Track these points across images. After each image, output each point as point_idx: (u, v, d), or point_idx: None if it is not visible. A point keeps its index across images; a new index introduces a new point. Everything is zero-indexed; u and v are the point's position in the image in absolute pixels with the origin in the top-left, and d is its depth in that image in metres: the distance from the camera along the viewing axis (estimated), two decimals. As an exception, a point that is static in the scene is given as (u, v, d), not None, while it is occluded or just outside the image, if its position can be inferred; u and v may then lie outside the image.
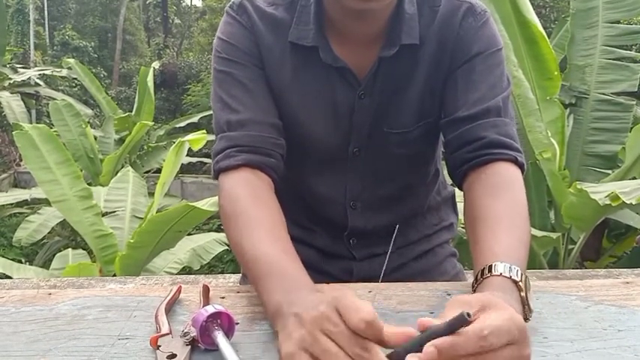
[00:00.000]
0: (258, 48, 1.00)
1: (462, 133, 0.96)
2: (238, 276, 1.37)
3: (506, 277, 0.72)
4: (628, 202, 2.97)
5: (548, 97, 4.19)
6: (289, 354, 0.60)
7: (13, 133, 5.36)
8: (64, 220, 5.70)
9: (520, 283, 0.71)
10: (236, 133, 0.96)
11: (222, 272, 7.10)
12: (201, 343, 0.68)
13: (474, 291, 0.76)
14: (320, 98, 1.01)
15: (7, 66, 12.46)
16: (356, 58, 0.98)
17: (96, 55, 18.19)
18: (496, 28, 1.02)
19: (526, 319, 0.71)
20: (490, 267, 0.74)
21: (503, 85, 0.98)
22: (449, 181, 1.24)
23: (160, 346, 0.68)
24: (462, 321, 0.56)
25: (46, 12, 19.06)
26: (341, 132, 1.03)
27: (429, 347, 0.56)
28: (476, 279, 0.76)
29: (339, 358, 0.56)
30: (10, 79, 11.78)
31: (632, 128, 4.21)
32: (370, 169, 1.08)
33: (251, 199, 0.89)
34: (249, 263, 0.79)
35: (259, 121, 0.97)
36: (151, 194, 5.76)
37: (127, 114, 10.48)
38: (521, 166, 0.94)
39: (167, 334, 0.70)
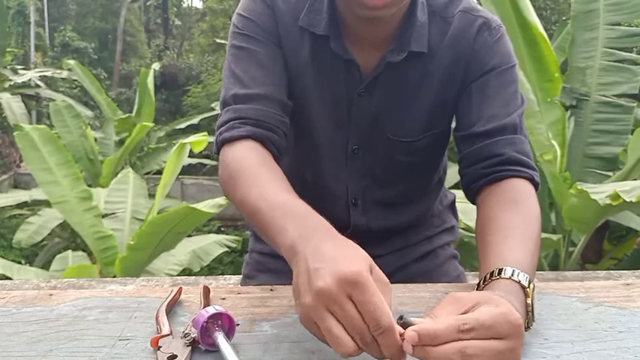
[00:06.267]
0: (278, 28, 1.00)
1: (479, 149, 0.96)
2: (239, 277, 1.37)
3: (515, 280, 0.72)
4: (628, 200, 2.97)
5: (549, 99, 4.20)
6: (303, 317, 0.61)
7: (14, 134, 5.38)
8: (64, 221, 5.71)
9: (527, 290, 0.71)
10: (242, 106, 0.95)
11: (222, 274, 7.10)
12: (202, 343, 0.68)
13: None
14: (325, 87, 1.02)
15: (8, 67, 12.48)
16: (363, 56, 0.99)
17: (96, 57, 18.18)
18: (511, 44, 1.02)
19: (528, 327, 0.71)
20: (500, 270, 0.73)
21: (518, 102, 0.98)
22: (447, 185, 1.25)
23: (160, 346, 0.68)
24: (403, 325, 0.59)
25: (46, 13, 19.07)
26: (340, 126, 1.04)
27: (410, 331, 0.57)
28: (483, 280, 0.75)
29: (340, 340, 0.57)
30: (11, 80, 11.79)
31: (633, 130, 4.21)
32: (370, 171, 1.08)
33: (256, 159, 0.89)
34: (260, 209, 0.77)
35: (267, 97, 0.96)
36: (151, 196, 5.77)
37: (127, 115, 10.49)
38: (536, 185, 0.94)
39: (168, 334, 0.70)
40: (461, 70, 0.99)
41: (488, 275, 0.75)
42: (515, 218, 0.85)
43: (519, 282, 0.71)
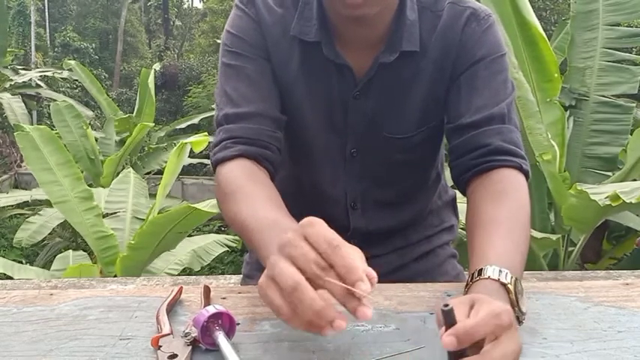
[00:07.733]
0: (266, 41, 1.01)
1: (467, 140, 0.96)
2: (239, 277, 1.37)
3: (494, 279, 0.72)
4: (628, 201, 2.97)
5: (548, 99, 4.19)
6: (259, 286, 0.63)
7: (15, 134, 5.38)
8: (65, 221, 5.71)
9: (509, 286, 0.71)
10: (233, 125, 0.97)
11: (222, 273, 7.11)
12: (202, 343, 0.68)
13: (465, 294, 0.76)
14: (319, 94, 1.02)
15: (9, 67, 12.46)
16: (356, 59, 0.99)
17: (97, 57, 18.18)
18: (500, 33, 1.01)
19: (518, 322, 0.71)
20: (480, 271, 0.74)
21: (507, 91, 0.98)
22: (449, 183, 1.25)
23: (161, 346, 0.68)
24: (446, 313, 0.58)
25: (47, 13, 19.07)
26: (337, 130, 1.04)
27: (447, 337, 0.57)
28: (467, 284, 0.76)
29: (289, 277, 0.58)
30: (12, 80, 11.78)
31: (633, 131, 4.21)
32: (369, 172, 1.08)
33: (247, 177, 0.91)
34: (249, 227, 0.80)
35: (258, 114, 0.97)
36: (152, 195, 5.76)
37: (127, 115, 10.47)
38: (525, 173, 0.94)
39: (168, 334, 0.70)
40: (450, 63, 0.99)
41: (469, 278, 0.76)
42: (501, 212, 0.85)
43: (499, 280, 0.72)
